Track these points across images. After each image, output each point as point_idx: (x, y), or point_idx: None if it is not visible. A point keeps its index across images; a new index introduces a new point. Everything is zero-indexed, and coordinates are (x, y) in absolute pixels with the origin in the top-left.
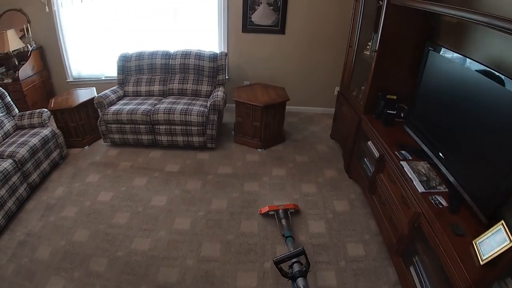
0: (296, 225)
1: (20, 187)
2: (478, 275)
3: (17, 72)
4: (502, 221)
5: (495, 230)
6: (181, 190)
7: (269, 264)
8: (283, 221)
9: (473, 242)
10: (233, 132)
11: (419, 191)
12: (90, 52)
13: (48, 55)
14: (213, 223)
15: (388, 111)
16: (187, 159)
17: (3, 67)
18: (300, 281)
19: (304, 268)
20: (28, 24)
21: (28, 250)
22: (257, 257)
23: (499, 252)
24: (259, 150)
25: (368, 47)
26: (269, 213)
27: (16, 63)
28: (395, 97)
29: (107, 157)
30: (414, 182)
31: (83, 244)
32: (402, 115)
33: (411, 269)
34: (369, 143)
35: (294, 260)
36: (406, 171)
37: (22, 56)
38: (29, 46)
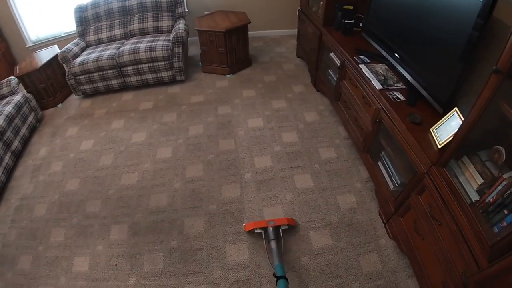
0: (269, 140)
1: (5, 156)
2: (436, 157)
3: None
4: (456, 108)
5: (450, 117)
6: (158, 124)
7: (249, 175)
8: (273, 244)
9: (430, 130)
10: (200, 63)
11: (377, 88)
12: (44, 12)
13: (2, 25)
14: (193, 147)
15: (346, 21)
16: (159, 95)
17: None
18: None
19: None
20: None
21: (25, 213)
22: (237, 170)
23: (454, 135)
24: (228, 76)
25: None
26: (255, 231)
27: None
28: (351, 8)
29: (81, 109)
30: (373, 82)
31: (75, 192)
32: (360, 25)
33: (379, 164)
34: (331, 54)
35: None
36: (365, 72)
37: None
38: None
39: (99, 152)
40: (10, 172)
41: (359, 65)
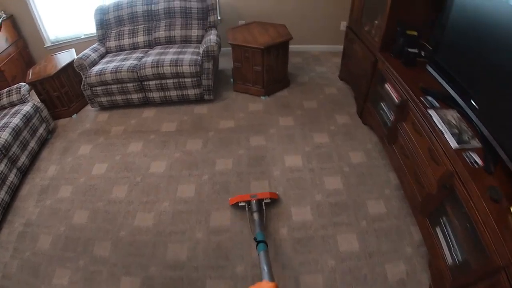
0: (310, 186)
1: (10, 174)
2: None
3: None
4: None
5: None
6: (181, 152)
7: (285, 230)
8: (255, 215)
9: (511, 208)
10: (231, 79)
11: (452, 146)
12: (65, 12)
13: (20, 23)
14: (220, 187)
15: (409, 50)
16: (183, 115)
17: None
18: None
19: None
20: None
21: (29, 242)
22: (271, 223)
23: None
24: (262, 97)
25: None
26: (239, 204)
27: None
28: (415, 33)
29: (97, 123)
30: (446, 136)
31: (83, 227)
32: (423, 54)
33: (438, 230)
34: (387, 85)
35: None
36: (436, 121)
37: None
38: None
39: (112, 180)
40: (15, 190)
41: (428, 110)
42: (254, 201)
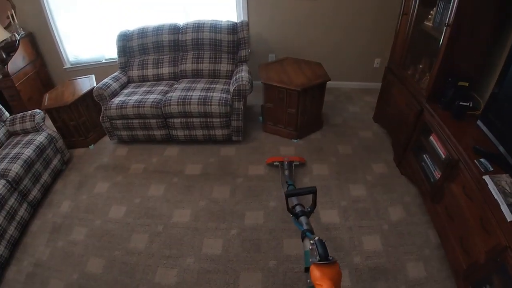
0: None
1: (20, 208)
2: None
3: (6, 66)
4: None
5: None
6: (207, 200)
7: None
8: (286, 172)
9: None
10: (260, 118)
11: (508, 219)
12: (86, 33)
13: (39, 41)
14: (250, 244)
15: (461, 103)
16: (209, 157)
17: None
18: (303, 218)
19: (309, 209)
20: (13, 10)
21: (38, 286)
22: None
23: None
24: (294, 140)
25: (430, 16)
26: (274, 163)
27: (4, 56)
28: (467, 84)
29: (115, 157)
30: (502, 207)
31: (98, 277)
32: (469, 105)
33: None
34: (432, 137)
35: (295, 202)
36: (491, 190)
37: (10, 46)
38: (16, 35)
39: (131, 227)
40: (25, 226)
41: (484, 177)
42: (286, 162)
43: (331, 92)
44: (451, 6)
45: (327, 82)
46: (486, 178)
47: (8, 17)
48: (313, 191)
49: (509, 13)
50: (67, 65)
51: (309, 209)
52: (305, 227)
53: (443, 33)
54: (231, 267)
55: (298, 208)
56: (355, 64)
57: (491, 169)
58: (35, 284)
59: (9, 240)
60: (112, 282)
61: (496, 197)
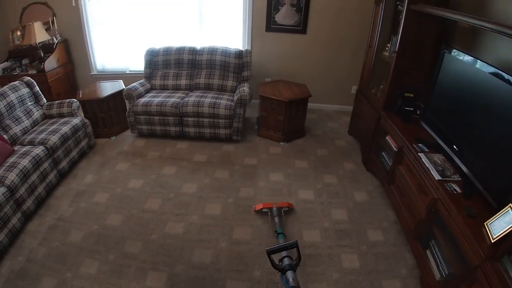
0: (319, 215)
1: (50, 173)
2: (490, 251)
3: (42, 63)
4: (510, 204)
5: (504, 212)
6: (210, 179)
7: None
8: (276, 219)
9: (485, 224)
10: (256, 126)
11: (436, 179)
12: (115, 46)
13: (72, 48)
14: (243, 209)
15: (406, 108)
16: (213, 150)
17: (27, 58)
18: (289, 273)
19: (295, 262)
20: (54, 17)
21: (59, 234)
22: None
23: (508, 231)
24: (282, 143)
25: (387, 48)
26: (263, 210)
27: (42, 55)
28: (412, 95)
29: (134, 147)
30: (432, 171)
31: (116, 228)
32: (418, 112)
33: (428, 252)
34: (388, 137)
35: (284, 254)
36: (424, 161)
37: (47, 48)
38: (54, 39)
39: (147, 194)
40: (52, 189)
41: (419, 154)
42: (275, 208)
43: (314, 112)
44: (397, 38)
45: (313, 104)
46: (421, 154)
47: (46, 23)
48: (294, 245)
49: (446, 40)
50: (94, 72)
51: (295, 262)
52: (291, 284)
53: (393, 58)
54: (227, 223)
55: (286, 261)
56: (336, 90)
57: (426, 150)
58: (56, 233)
59: (37, 196)
60: (128, 231)
61: (427, 166)
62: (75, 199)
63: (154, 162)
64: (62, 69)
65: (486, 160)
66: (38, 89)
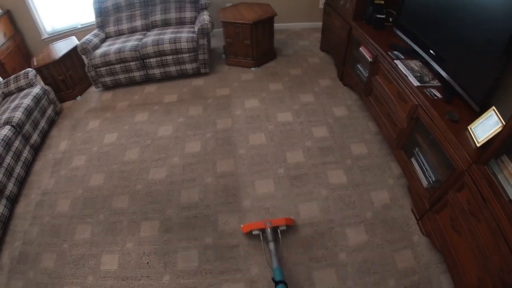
0: (300, 135)
1: (24, 150)
2: (476, 155)
3: None
4: (494, 107)
5: (487, 116)
6: (185, 117)
7: (282, 170)
8: (271, 245)
9: (468, 128)
10: (223, 55)
11: (415, 85)
12: (60, 3)
13: (17, 17)
14: (223, 141)
15: (377, 15)
16: (183, 88)
17: None
18: None
19: None
20: None
21: (47, 209)
22: (270, 165)
23: (493, 134)
24: (253, 68)
25: None
26: (253, 233)
27: None
28: (382, 2)
29: (102, 101)
30: (410, 78)
31: (100, 187)
32: (390, 20)
33: (413, 160)
34: (361, 48)
35: None
36: (401, 68)
37: None
38: None
39: (124, 146)
40: (29, 166)
41: (395, 61)
42: (269, 229)
43: (282, 32)
44: None
45: (280, 24)
46: (397, 62)
47: None
48: None
49: None
50: (45, 36)
51: None
52: None
53: None
54: (209, 158)
55: None
56: (303, 6)
57: (403, 57)
58: (44, 208)
59: (17, 178)
60: (113, 188)
61: (405, 72)
62: (54, 170)
63: (124, 112)
64: (11, 42)
65: (465, 63)
66: None
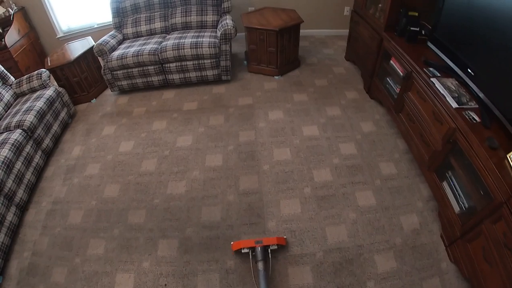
0: (327, 151)
1: (35, 155)
2: None
3: (3, 39)
4: None
5: None
6: (205, 127)
7: (309, 189)
8: (260, 265)
9: (507, 156)
10: (245, 61)
11: (453, 106)
12: (77, 1)
13: (32, 14)
14: (246, 155)
15: (412, 28)
16: (203, 95)
17: None
18: None
19: None
20: None
21: (59, 219)
22: (295, 183)
23: None
24: (276, 77)
25: None
26: (242, 251)
27: (0, 30)
28: (417, 14)
29: (118, 106)
30: (447, 98)
31: (115, 199)
32: (423, 33)
33: (444, 184)
34: (392, 61)
35: None
36: (438, 87)
37: (5, 22)
38: (10, 10)
39: (140, 156)
40: (40, 172)
41: (431, 79)
42: (259, 248)
43: (306, 39)
44: None
45: (303, 31)
46: (434, 79)
47: None
48: None
49: None
50: (60, 34)
51: None
52: None
53: None
54: (231, 174)
55: None
56: (328, 13)
57: (438, 75)
58: (55, 218)
59: (27, 184)
60: (129, 201)
61: (442, 92)
62: (66, 177)
63: (141, 119)
64: (25, 40)
65: (506, 85)
66: (3, 68)
